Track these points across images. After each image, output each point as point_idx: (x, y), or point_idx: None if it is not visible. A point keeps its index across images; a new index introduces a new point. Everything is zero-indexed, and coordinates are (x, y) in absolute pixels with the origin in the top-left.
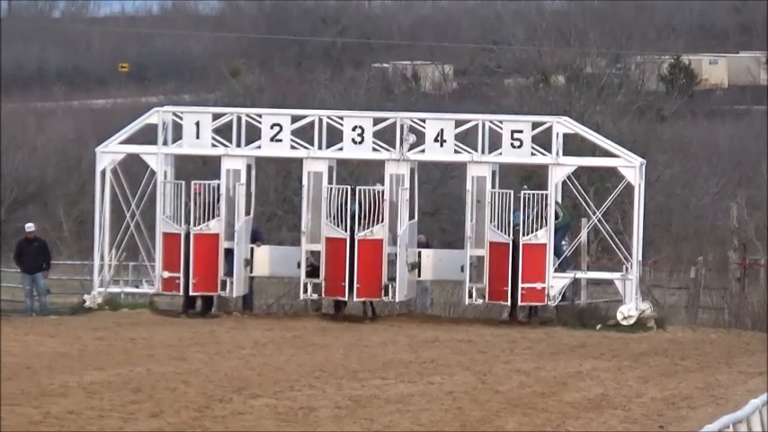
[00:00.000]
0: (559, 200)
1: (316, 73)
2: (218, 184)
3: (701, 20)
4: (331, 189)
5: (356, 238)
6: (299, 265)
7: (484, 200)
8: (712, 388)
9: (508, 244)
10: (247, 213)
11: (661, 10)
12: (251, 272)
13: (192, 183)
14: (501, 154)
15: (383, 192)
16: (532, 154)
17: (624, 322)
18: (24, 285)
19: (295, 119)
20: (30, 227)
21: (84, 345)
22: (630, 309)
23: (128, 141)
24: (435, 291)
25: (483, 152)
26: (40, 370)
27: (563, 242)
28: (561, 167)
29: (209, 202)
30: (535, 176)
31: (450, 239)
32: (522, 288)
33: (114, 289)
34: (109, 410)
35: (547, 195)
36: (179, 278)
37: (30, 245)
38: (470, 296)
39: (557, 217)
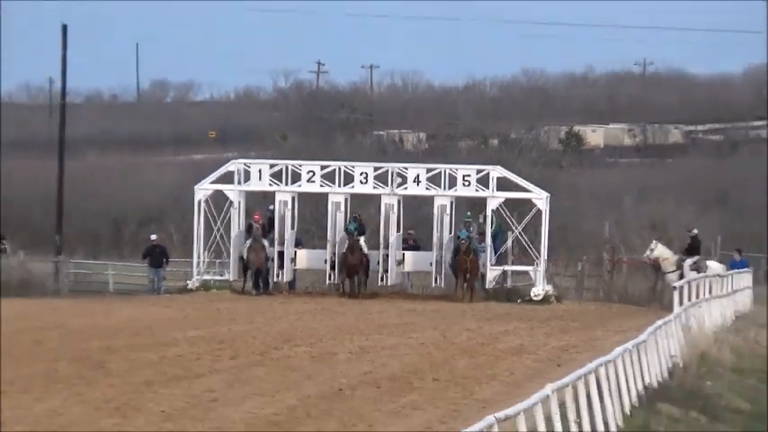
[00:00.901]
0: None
1: (337, 138)
2: (273, 210)
3: (586, 103)
4: (343, 215)
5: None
6: (325, 262)
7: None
8: (592, 341)
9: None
10: (292, 228)
11: (559, 96)
12: (295, 265)
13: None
14: (456, 190)
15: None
16: (476, 190)
17: (535, 298)
18: (150, 275)
19: (323, 167)
20: (154, 237)
21: (187, 313)
22: (539, 290)
23: (215, 182)
24: (414, 278)
25: (444, 189)
26: (158, 329)
27: (497, 243)
28: (495, 199)
29: (265, 222)
30: (479, 205)
31: (424, 245)
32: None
33: (206, 276)
34: (203, 354)
35: (482, 220)
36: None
37: (154, 249)
38: (436, 282)
39: (495, 222)
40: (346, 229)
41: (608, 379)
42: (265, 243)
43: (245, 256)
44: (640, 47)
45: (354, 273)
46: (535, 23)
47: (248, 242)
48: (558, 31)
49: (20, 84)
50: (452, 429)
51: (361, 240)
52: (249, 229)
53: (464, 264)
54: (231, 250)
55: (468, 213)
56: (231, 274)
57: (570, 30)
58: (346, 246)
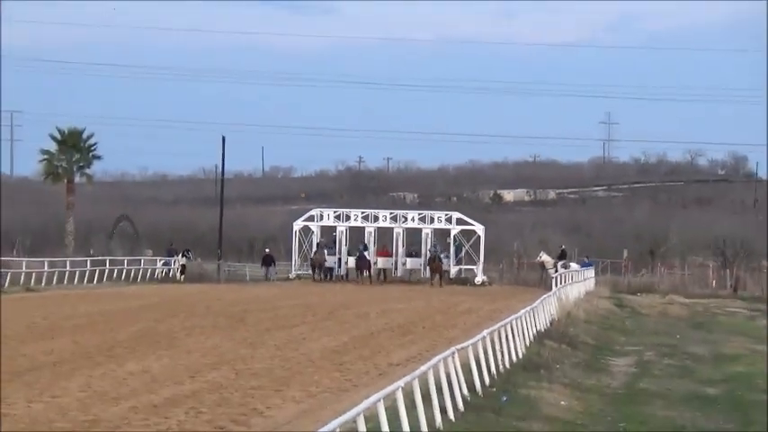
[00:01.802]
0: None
1: (369, 196)
2: (335, 236)
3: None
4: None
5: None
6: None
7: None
8: (509, 306)
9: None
10: (346, 244)
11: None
12: (348, 265)
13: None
14: (434, 224)
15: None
16: (446, 224)
17: (477, 283)
18: (263, 271)
19: (363, 213)
20: (267, 250)
21: (286, 291)
22: (479, 278)
23: (305, 220)
24: (412, 273)
25: (427, 223)
26: (273, 300)
27: (460, 255)
28: (455, 229)
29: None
30: (446, 233)
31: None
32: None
33: (300, 272)
34: (297, 314)
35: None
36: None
37: (268, 256)
38: (422, 274)
39: (456, 241)
40: (358, 248)
41: (518, 326)
42: (324, 251)
43: (312, 257)
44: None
45: (363, 270)
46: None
47: (314, 251)
48: None
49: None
50: (433, 354)
51: (366, 253)
52: (318, 246)
53: (434, 265)
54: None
55: (435, 243)
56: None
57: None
58: (357, 256)
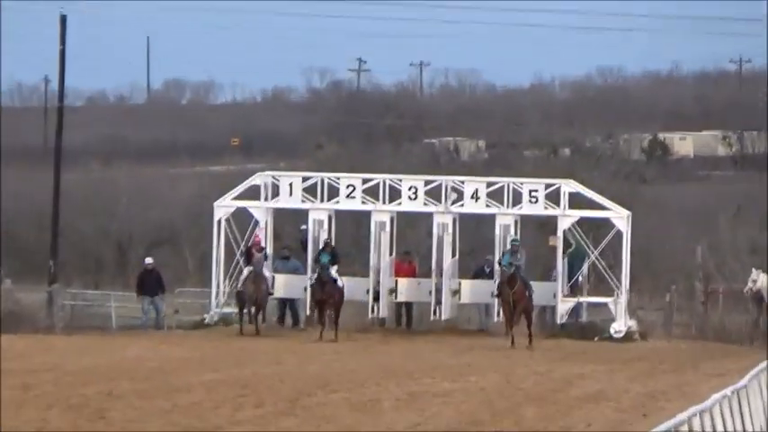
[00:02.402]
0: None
1: (381, 146)
2: (306, 231)
3: (673, 106)
4: (389, 236)
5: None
6: (367, 292)
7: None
8: (683, 386)
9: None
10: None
11: (641, 99)
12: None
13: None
14: (521, 208)
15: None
16: (545, 208)
17: (615, 335)
18: (144, 305)
19: (365, 181)
20: (148, 261)
21: (203, 352)
22: (620, 325)
23: (238, 198)
24: (472, 311)
25: (508, 206)
26: (170, 371)
27: (579, 273)
28: (567, 218)
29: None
30: (548, 225)
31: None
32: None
33: (227, 309)
34: (223, 402)
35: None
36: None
37: (149, 274)
38: (498, 315)
39: (569, 246)
40: (316, 260)
41: None
42: (266, 273)
43: (240, 288)
44: (736, 41)
45: (324, 308)
46: (612, 15)
47: (246, 271)
48: (638, 24)
49: (10, 84)
50: None
51: (333, 271)
52: (248, 253)
53: (507, 297)
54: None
55: (516, 237)
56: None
57: (653, 22)
58: (315, 278)
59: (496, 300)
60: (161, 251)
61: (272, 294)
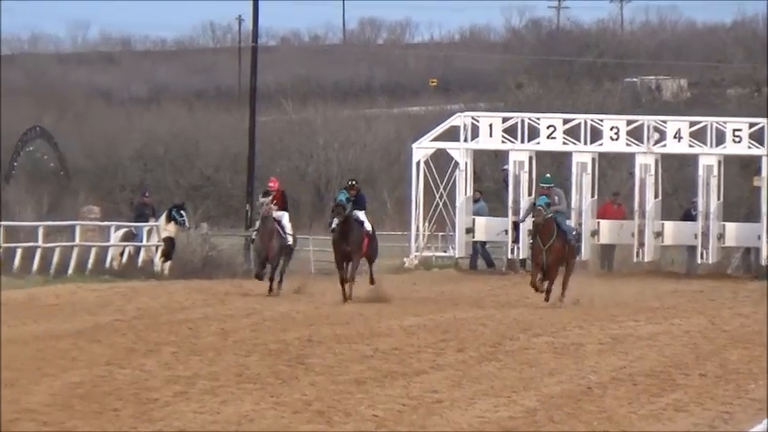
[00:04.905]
0: None
1: (581, 86)
2: (507, 171)
3: None
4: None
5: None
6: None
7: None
8: None
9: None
10: (529, 194)
11: None
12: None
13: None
14: (725, 147)
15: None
16: (749, 147)
17: None
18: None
19: (565, 121)
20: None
21: (403, 296)
22: None
23: (436, 139)
24: (674, 253)
25: (711, 146)
26: (370, 316)
27: None
28: None
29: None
30: (751, 165)
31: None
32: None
33: (426, 253)
34: (424, 347)
35: None
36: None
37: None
38: (702, 257)
39: None
40: (335, 200)
41: None
42: (284, 222)
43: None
44: None
45: (347, 260)
46: None
47: (257, 223)
48: None
49: (203, 23)
50: None
51: (360, 215)
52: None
53: (539, 251)
54: (456, 221)
55: (548, 175)
56: (457, 250)
57: None
58: (337, 223)
59: (713, 238)
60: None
61: (290, 247)
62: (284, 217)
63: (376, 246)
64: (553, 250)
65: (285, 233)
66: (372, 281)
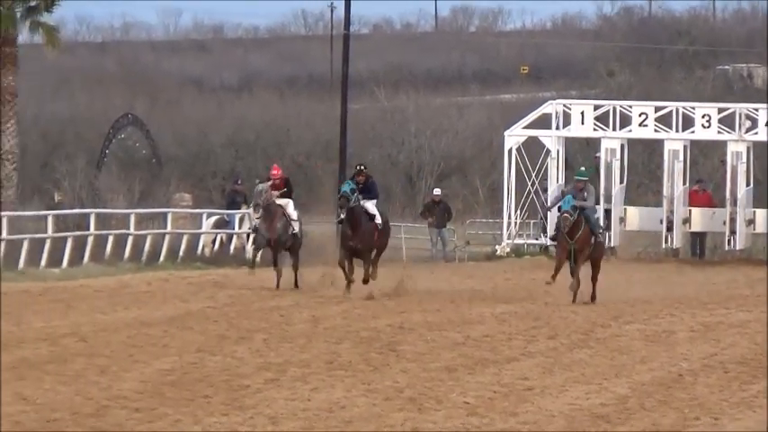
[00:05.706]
0: None
1: (672, 73)
2: (598, 158)
3: None
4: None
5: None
6: (661, 222)
7: None
8: None
9: None
10: (621, 182)
11: None
12: (625, 226)
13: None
14: None
15: None
16: None
17: None
18: (431, 237)
19: (657, 109)
20: (437, 192)
21: (495, 284)
22: None
23: (528, 127)
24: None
25: None
26: (461, 303)
27: None
28: None
29: None
30: None
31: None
32: None
33: (518, 240)
34: (515, 334)
35: None
36: None
37: (436, 205)
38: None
39: None
40: (340, 190)
41: None
42: (289, 210)
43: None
44: None
45: (353, 257)
46: None
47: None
48: None
49: (295, 11)
50: None
51: (369, 206)
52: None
53: (565, 246)
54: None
55: (583, 169)
56: (549, 238)
57: None
58: (344, 216)
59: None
60: (450, 181)
61: (297, 235)
62: (289, 205)
63: (386, 240)
64: (579, 242)
65: (291, 220)
66: (366, 280)
